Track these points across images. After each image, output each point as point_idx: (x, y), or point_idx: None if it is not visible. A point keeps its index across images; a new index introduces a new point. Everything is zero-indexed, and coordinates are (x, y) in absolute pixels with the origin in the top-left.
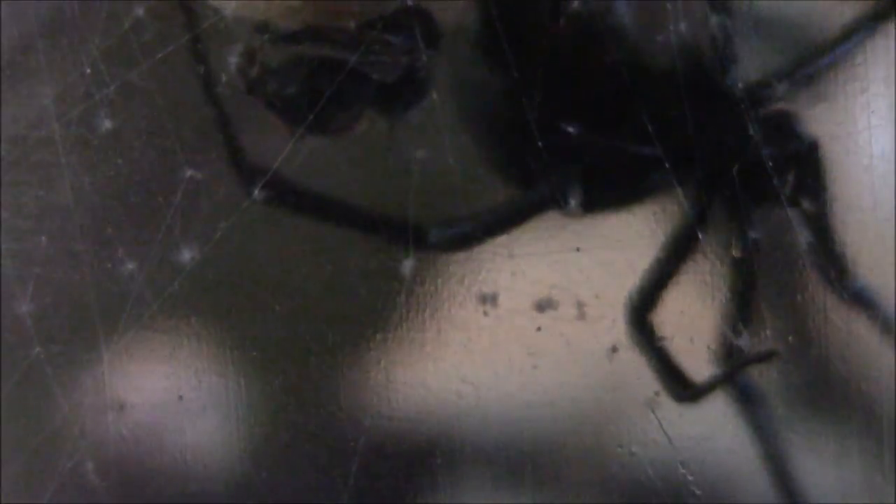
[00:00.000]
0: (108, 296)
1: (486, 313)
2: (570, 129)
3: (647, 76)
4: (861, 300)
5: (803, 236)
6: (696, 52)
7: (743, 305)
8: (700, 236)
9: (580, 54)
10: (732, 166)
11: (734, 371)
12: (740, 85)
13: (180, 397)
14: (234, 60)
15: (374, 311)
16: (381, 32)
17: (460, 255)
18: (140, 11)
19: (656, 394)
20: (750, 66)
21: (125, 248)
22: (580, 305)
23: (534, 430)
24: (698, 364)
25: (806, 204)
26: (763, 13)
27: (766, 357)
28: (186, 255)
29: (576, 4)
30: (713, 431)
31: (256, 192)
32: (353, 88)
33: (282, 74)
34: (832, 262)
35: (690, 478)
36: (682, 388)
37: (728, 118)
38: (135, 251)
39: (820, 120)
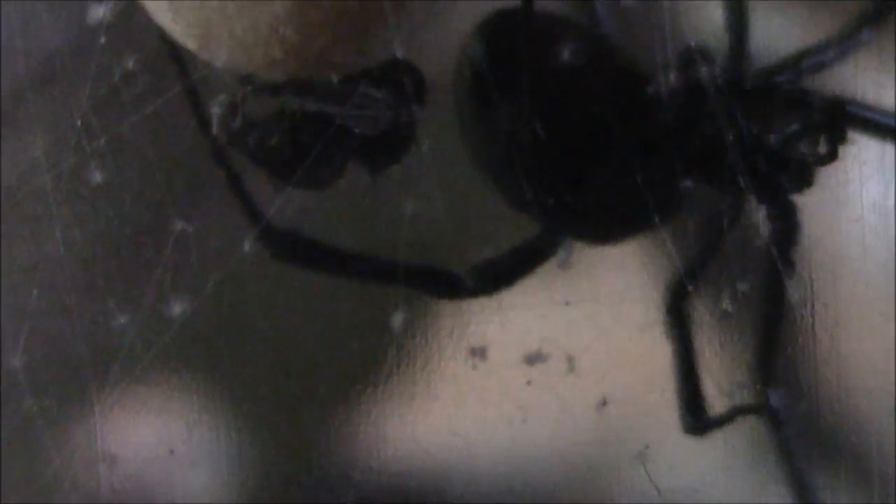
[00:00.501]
0: (99, 349)
1: (475, 367)
2: (561, 181)
3: (638, 127)
4: None
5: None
6: (686, 105)
7: (733, 358)
8: (690, 289)
9: (571, 105)
10: (723, 220)
11: (725, 421)
12: (731, 137)
13: (171, 451)
14: (217, 112)
15: (365, 363)
16: (365, 86)
17: (450, 308)
18: (130, 63)
19: (646, 447)
20: (742, 119)
21: (116, 301)
22: (570, 359)
23: (524, 484)
24: None
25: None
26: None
27: (756, 409)
28: (177, 308)
29: (566, 55)
30: (703, 484)
31: (247, 245)
32: (336, 142)
33: (263, 127)
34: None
35: None
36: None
37: (720, 173)
38: (126, 304)
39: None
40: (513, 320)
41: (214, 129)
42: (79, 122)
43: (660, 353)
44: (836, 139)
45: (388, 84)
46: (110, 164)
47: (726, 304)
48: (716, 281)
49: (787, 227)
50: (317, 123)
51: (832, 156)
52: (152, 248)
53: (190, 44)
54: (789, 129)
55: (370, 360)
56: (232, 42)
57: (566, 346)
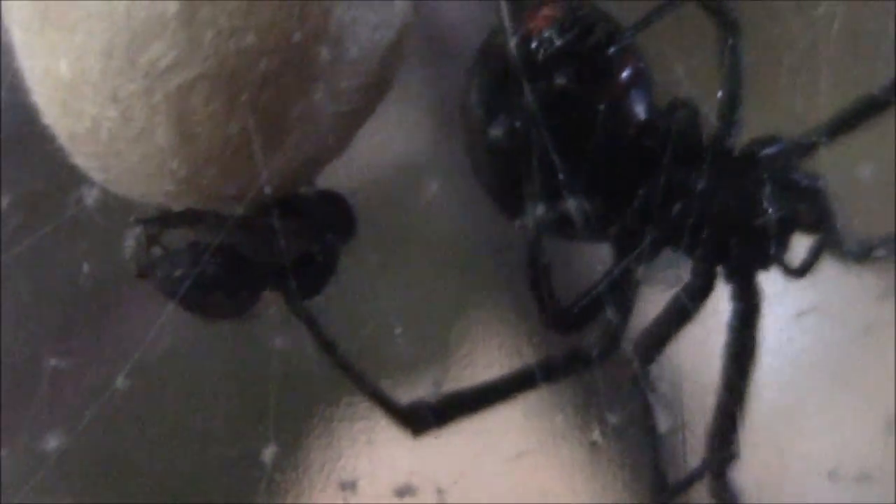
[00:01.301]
0: None
1: (346, 500)
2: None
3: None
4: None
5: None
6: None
7: (604, 488)
8: (560, 420)
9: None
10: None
11: None
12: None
13: None
14: (129, 245)
15: (236, 498)
16: (271, 217)
17: (321, 442)
18: (5, 203)
19: None
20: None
21: None
22: (440, 491)
23: None
24: None
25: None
26: None
27: None
28: (52, 442)
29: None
30: None
31: (120, 380)
32: (243, 273)
33: (171, 258)
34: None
35: None
36: None
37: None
38: (2, 439)
39: None
40: (382, 453)
41: (125, 261)
42: None
43: (530, 482)
44: (817, 254)
45: (303, 215)
46: None
47: (596, 436)
48: (585, 412)
49: (748, 307)
50: (222, 255)
51: (805, 271)
52: (27, 384)
53: (97, 176)
54: (775, 215)
55: (242, 494)
56: (127, 174)
57: (436, 478)
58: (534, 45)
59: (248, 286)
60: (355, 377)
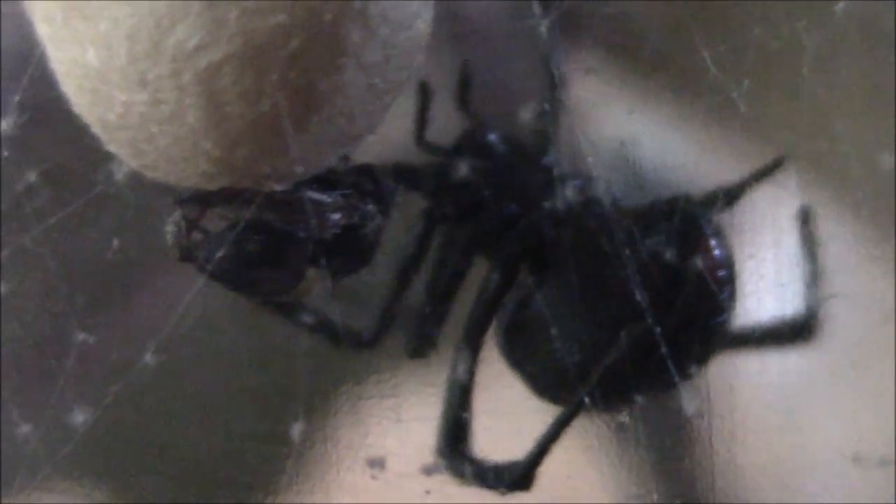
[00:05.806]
0: (2, 457)
1: (374, 477)
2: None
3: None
4: None
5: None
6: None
7: (630, 469)
8: (587, 401)
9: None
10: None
11: None
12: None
13: None
14: (169, 230)
15: (263, 474)
16: (309, 191)
17: (349, 419)
18: (33, 176)
19: None
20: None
21: (19, 411)
22: None
23: None
24: None
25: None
26: None
27: None
28: (79, 417)
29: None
30: None
31: (148, 355)
32: (285, 250)
33: (212, 240)
34: None
35: None
36: None
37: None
38: (29, 413)
39: None
40: (411, 431)
41: (166, 243)
42: None
43: (556, 463)
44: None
45: (339, 188)
46: (13, 276)
47: (623, 416)
48: (612, 393)
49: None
50: (262, 232)
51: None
52: (55, 359)
53: (132, 163)
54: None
55: (270, 471)
56: (161, 158)
57: None
58: None
59: (291, 263)
60: None
